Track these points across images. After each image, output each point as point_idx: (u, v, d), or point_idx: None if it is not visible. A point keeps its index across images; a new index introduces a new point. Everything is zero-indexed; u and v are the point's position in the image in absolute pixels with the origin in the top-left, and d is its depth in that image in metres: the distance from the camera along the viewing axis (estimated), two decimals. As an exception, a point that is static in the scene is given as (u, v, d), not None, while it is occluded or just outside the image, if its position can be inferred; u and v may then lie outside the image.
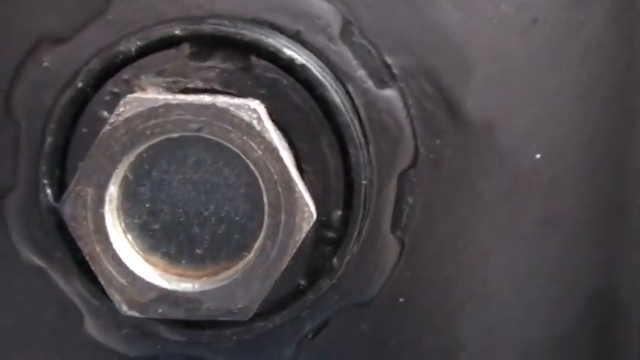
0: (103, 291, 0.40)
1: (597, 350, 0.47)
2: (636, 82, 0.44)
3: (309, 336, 0.44)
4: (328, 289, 0.41)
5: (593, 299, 0.46)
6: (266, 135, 0.32)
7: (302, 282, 0.40)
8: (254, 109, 0.32)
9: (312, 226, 0.34)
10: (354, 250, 0.41)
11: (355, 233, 0.40)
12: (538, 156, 0.43)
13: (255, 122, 0.32)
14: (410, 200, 0.42)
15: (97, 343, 0.43)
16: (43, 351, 0.45)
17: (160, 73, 0.37)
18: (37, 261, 0.42)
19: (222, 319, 0.34)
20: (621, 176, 0.44)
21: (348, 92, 0.40)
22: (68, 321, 0.43)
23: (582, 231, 0.45)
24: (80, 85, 0.37)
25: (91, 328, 0.43)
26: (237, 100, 0.32)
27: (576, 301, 0.46)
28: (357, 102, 0.40)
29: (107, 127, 0.32)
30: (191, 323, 0.41)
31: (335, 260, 0.39)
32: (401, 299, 0.44)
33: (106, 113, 0.38)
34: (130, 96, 0.32)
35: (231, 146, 0.32)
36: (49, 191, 0.38)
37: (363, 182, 0.39)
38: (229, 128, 0.32)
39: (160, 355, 0.44)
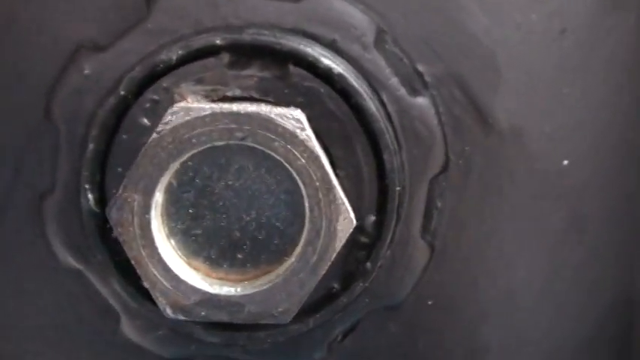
0: (142, 293, 0.41)
1: (620, 352, 0.48)
2: None
3: (339, 338, 0.45)
4: (360, 292, 0.42)
5: (618, 302, 0.47)
6: (309, 144, 0.33)
7: (336, 286, 0.41)
8: (297, 119, 0.33)
9: (351, 233, 0.35)
10: (388, 254, 0.42)
11: (389, 238, 0.41)
12: (565, 162, 0.44)
13: (298, 131, 0.33)
14: (439, 205, 0.43)
15: (133, 344, 0.44)
16: (80, 351, 0.46)
17: (199, 82, 0.38)
18: (75, 264, 0.43)
19: (263, 322, 0.35)
20: None
21: (381, 100, 0.41)
22: (105, 322, 0.44)
23: (607, 235, 0.46)
24: (122, 92, 0.38)
25: (128, 329, 0.44)
26: (280, 110, 0.33)
27: (600, 305, 0.46)
28: (391, 109, 0.41)
29: (154, 136, 0.33)
30: (227, 325, 0.42)
31: (368, 264, 0.40)
32: (429, 302, 0.45)
33: (145, 120, 0.39)
34: (177, 105, 0.33)
35: (274, 154, 0.33)
36: (90, 196, 0.39)
37: (397, 188, 0.40)
38: (273, 137, 0.33)
39: (195, 357, 0.45)
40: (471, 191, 0.44)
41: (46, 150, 0.42)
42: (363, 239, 0.40)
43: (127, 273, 0.40)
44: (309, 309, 0.41)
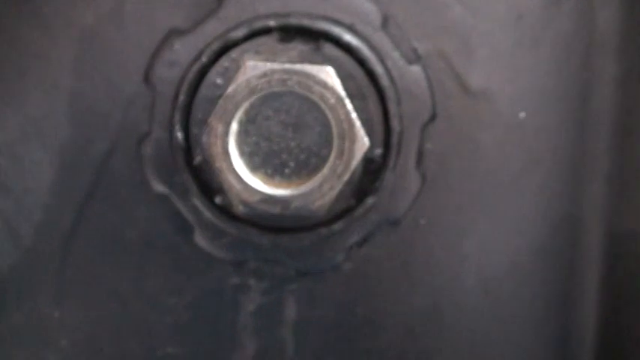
0: (214, 204, 0.54)
1: (569, 260, 0.60)
2: (595, 58, 0.56)
3: (356, 247, 0.57)
4: (370, 207, 0.55)
5: (564, 220, 0.58)
6: (336, 88, 0.47)
7: (353, 201, 0.54)
8: (328, 72, 0.47)
9: (366, 152, 0.49)
10: (390, 179, 0.55)
11: (391, 165, 0.54)
12: (522, 115, 0.56)
13: (329, 80, 0.47)
14: (429, 146, 0.55)
15: (204, 251, 0.53)
16: (162, 260, 0.54)
17: (257, 53, 0.52)
18: (164, 189, 0.55)
19: (304, 214, 0.48)
20: (582, 127, 0.57)
21: (386, 67, 0.54)
22: (181, 234, 0.53)
23: (554, 171, 0.57)
24: (204, 60, 0.52)
25: (200, 238, 0.53)
26: (317, 66, 0.48)
27: (551, 222, 0.57)
28: (393, 74, 0.53)
29: (234, 84, 0.47)
30: (275, 229, 0.55)
31: (376, 184, 0.54)
32: (422, 221, 0.56)
33: (219, 81, 0.53)
34: (249, 62, 0.47)
35: (312, 97, 0.47)
36: (179, 134, 0.53)
37: (397, 129, 0.54)
38: (312, 85, 0.47)
39: (250, 259, 0.56)
40: (452, 137, 0.55)
41: (143, 107, 0.55)
42: (373, 167, 0.53)
43: (205, 191, 0.54)
44: (334, 218, 0.54)
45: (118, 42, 0.55)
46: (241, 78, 0.46)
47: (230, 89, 0.47)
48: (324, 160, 0.49)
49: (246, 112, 0.48)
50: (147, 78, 0.52)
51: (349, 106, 0.47)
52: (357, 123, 0.47)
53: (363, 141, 0.48)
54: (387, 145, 0.51)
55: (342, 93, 0.47)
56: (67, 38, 0.55)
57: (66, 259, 0.57)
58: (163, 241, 0.55)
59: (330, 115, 0.48)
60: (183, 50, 0.52)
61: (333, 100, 0.47)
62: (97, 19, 0.55)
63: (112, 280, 0.57)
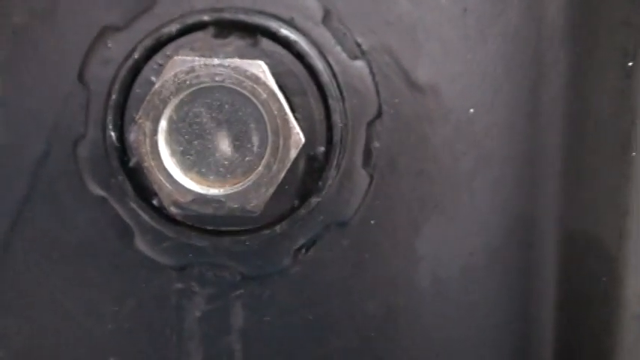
0: (152, 208, 0.53)
1: (525, 261, 0.59)
2: (544, 50, 0.55)
3: (303, 251, 0.56)
4: (315, 207, 0.53)
5: (519, 220, 0.56)
6: (269, 83, 0.45)
7: (296, 202, 0.53)
8: (259, 66, 0.46)
9: (301, 147, 0.47)
10: (335, 178, 0.54)
11: (334, 163, 0.53)
12: (471, 111, 0.56)
13: (261, 75, 0.45)
14: (377, 144, 0.54)
15: (145, 256, 0.54)
16: (101, 264, 0.55)
17: (192, 49, 0.51)
18: (101, 191, 0.54)
19: (239, 214, 0.47)
20: (534, 122, 0.56)
21: (328, 62, 0.53)
22: (122, 240, 0.54)
23: (507, 168, 0.57)
24: (136, 57, 0.51)
25: (140, 243, 0.54)
26: (248, 60, 0.46)
27: (506, 222, 0.56)
28: (335, 69, 0.53)
29: (161, 79, 0.46)
30: (214, 232, 0.54)
31: (320, 183, 0.52)
32: (372, 221, 0.55)
33: (153, 78, 0.52)
34: (176, 57, 0.46)
35: (244, 92, 0.46)
36: (113, 134, 0.52)
37: (340, 125, 0.52)
38: (243, 79, 0.45)
39: (192, 264, 0.55)
40: (400, 134, 0.55)
41: (78, 107, 0.54)
42: (316, 165, 0.52)
43: (141, 193, 0.52)
44: (276, 219, 0.53)
45: (52, 40, 0.55)
46: (168, 74, 0.45)
47: (157, 85, 0.45)
48: (259, 157, 0.47)
49: (176, 109, 0.46)
50: (81, 77, 0.54)
51: (282, 100, 0.46)
52: (291, 118, 0.46)
53: (298, 137, 0.46)
54: (329, 142, 0.52)
55: (274, 87, 0.45)
56: (-1, 37, 0.54)
57: (2, 266, 0.56)
58: (103, 245, 0.56)
59: (263, 111, 0.46)
60: (116, 48, 0.52)
61: (265, 95, 0.45)
62: (29, 17, 0.55)
63: (51, 288, 0.56)
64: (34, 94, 0.54)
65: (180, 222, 0.52)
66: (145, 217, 0.53)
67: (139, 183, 0.52)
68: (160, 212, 0.52)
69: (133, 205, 0.53)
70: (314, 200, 0.52)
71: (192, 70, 0.45)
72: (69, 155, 0.54)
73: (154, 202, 0.52)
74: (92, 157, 0.54)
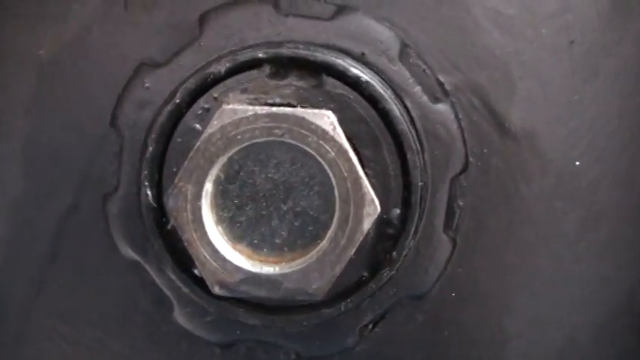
0: (193, 278, 0.45)
1: (636, 343, 0.51)
2: None
3: (370, 326, 0.48)
4: (387, 280, 0.46)
5: (629, 293, 0.49)
6: (338, 139, 0.37)
7: (365, 274, 0.45)
8: (328, 117, 0.38)
9: (376, 218, 0.39)
10: (412, 245, 0.46)
11: (412, 229, 0.45)
12: (577, 163, 0.48)
13: (329, 128, 0.37)
14: (461, 203, 0.47)
15: (185, 330, 0.48)
16: (136, 337, 0.50)
17: (244, 91, 0.43)
18: (134, 255, 0.48)
19: (299, 298, 0.39)
20: None
21: (405, 106, 0.45)
22: (160, 310, 0.49)
23: (619, 230, 0.49)
24: (177, 101, 0.43)
25: (180, 316, 0.48)
26: (313, 110, 0.38)
27: (614, 295, 0.49)
28: (414, 114, 0.46)
29: (205, 133, 0.38)
30: (267, 308, 0.46)
31: (394, 254, 0.44)
32: (453, 293, 0.48)
33: (197, 126, 0.44)
34: (224, 107, 0.38)
35: (308, 149, 0.38)
36: (149, 192, 0.44)
37: (420, 183, 0.44)
38: (307, 133, 0.37)
39: (239, 341, 0.49)
40: (489, 191, 0.48)
41: (111, 155, 0.48)
42: (389, 231, 0.44)
43: (181, 261, 0.45)
44: (341, 294, 0.46)
45: (82, 77, 0.48)
46: (216, 126, 0.37)
47: (201, 141, 0.37)
48: (324, 227, 0.40)
49: (224, 168, 0.39)
50: (114, 121, 0.48)
51: (354, 159, 0.38)
52: (365, 182, 0.38)
53: (373, 205, 0.38)
54: (406, 204, 0.45)
55: (345, 143, 0.37)
56: (22, 72, 0.48)
57: (23, 335, 0.50)
58: (137, 315, 0.50)
59: (330, 172, 0.38)
60: (155, 88, 0.46)
61: (333, 153, 0.37)
62: (57, 49, 0.48)
63: (75, 361, 0.49)
64: (60, 138, 0.48)
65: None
66: (184, 289, 0.45)
67: (179, 249, 0.45)
68: (203, 284, 0.45)
69: (171, 275, 0.45)
70: (387, 273, 0.44)
71: (244, 122, 0.37)
72: (98, 211, 0.48)
73: (196, 271, 0.44)
74: (124, 215, 0.47)
